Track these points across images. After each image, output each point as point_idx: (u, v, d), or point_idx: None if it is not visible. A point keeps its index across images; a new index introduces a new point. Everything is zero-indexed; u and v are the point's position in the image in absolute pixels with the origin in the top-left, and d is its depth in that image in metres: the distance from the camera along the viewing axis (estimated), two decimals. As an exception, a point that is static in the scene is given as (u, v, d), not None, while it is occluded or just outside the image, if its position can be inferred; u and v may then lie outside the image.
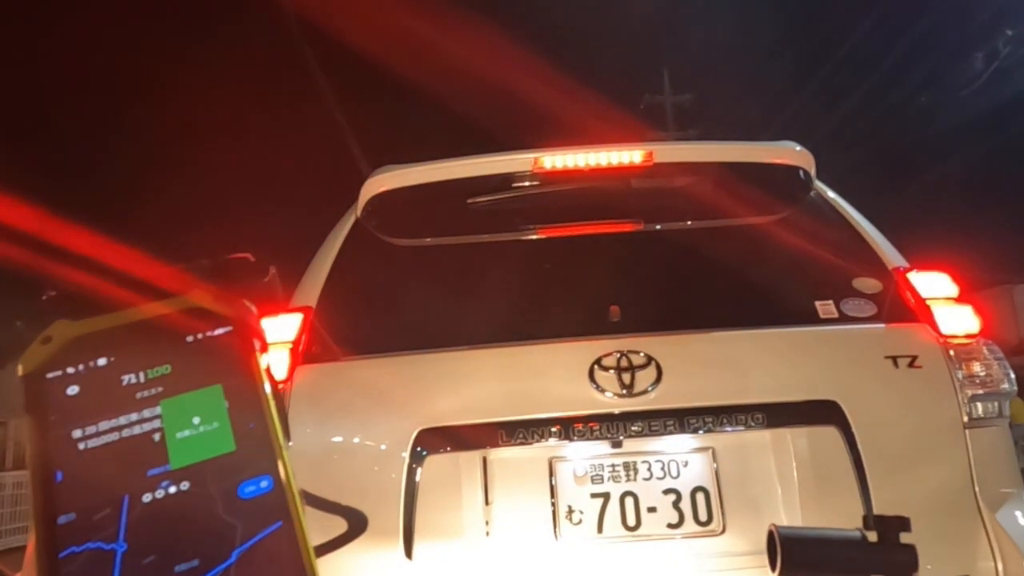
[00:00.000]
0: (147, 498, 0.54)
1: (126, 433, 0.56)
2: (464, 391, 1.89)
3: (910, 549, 0.92)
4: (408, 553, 1.77)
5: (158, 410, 0.57)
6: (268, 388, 0.59)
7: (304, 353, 1.95)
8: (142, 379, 0.58)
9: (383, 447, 1.86)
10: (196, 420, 0.57)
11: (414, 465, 1.81)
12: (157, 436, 0.56)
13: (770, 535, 0.94)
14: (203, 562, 0.52)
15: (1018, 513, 1.86)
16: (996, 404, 1.89)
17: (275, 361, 1.92)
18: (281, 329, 1.98)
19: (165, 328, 0.60)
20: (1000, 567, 1.76)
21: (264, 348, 0.62)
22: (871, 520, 0.94)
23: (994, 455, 1.89)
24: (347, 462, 1.85)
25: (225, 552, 0.53)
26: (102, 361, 0.58)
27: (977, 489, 1.83)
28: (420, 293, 2.17)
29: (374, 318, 2.11)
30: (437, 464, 1.82)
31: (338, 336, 2.00)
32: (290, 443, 0.59)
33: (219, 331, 0.60)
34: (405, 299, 2.16)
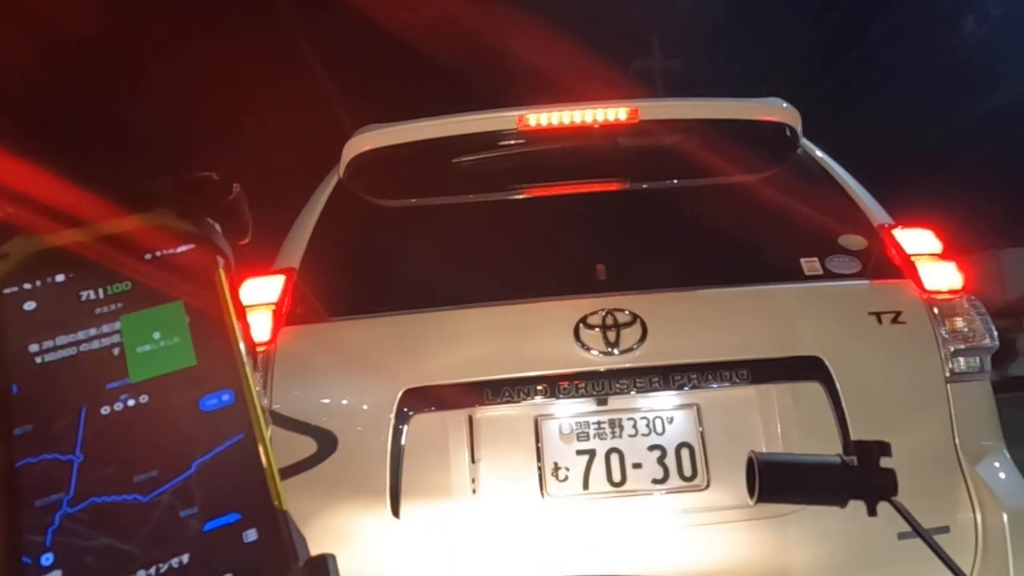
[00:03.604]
0: (105, 411, 0.54)
1: (84, 348, 0.56)
2: (449, 351, 1.89)
3: (889, 473, 0.92)
4: (395, 512, 1.78)
5: (118, 325, 0.57)
6: (231, 304, 0.59)
7: (287, 315, 1.94)
8: (101, 295, 0.58)
9: (368, 408, 1.85)
10: (157, 335, 0.57)
11: (400, 425, 1.81)
12: (116, 351, 0.56)
13: (749, 462, 0.94)
14: (162, 472, 0.53)
15: (998, 466, 1.88)
16: (978, 359, 1.91)
17: (258, 323, 1.91)
18: (264, 291, 1.97)
19: (126, 245, 0.59)
20: (979, 519, 1.79)
21: (229, 265, 0.62)
22: (851, 446, 0.94)
23: (975, 409, 1.91)
24: (332, 423, 1.85)
25: (185, 463, 0.53)
26: (60, 277, 0.58)
27: (958, 442, 1.85)
28: (404, 253, 2.15)
29: (358, 279, 2.09)
30: (423, 424, 1.82)
31: (322, 297, 1.98)
32: (258, 377, 0.58)
33: (181, 248, 0.60)
34: (389, 260, 2.14)
